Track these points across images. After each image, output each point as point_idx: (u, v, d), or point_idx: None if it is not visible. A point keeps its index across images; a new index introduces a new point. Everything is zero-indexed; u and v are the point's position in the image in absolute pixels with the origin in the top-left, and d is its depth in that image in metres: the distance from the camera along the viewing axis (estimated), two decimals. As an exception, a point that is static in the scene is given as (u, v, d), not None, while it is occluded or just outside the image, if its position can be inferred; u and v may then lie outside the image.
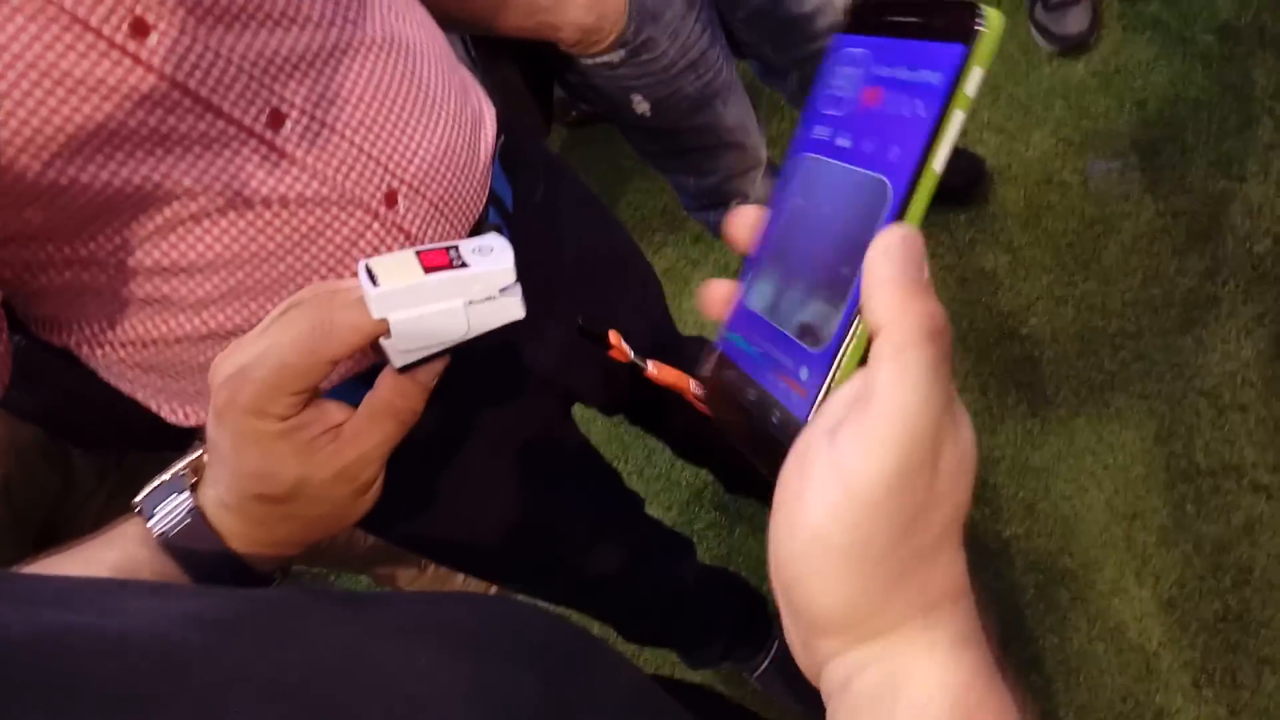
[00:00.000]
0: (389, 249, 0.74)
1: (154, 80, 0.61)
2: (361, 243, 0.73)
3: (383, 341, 0.48)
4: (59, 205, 0.63)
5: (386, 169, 0.72)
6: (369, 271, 0.46)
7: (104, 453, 1.33)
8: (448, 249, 0.48)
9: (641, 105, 1.22)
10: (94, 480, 1.32)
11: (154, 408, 0.84)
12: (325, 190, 0.69)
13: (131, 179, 0.63)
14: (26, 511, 1.24)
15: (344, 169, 0.70)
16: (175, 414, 0.85)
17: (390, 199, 0.73)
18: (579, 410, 1.11)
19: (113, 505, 1.33)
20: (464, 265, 0.47)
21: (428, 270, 0.46)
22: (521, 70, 1.17)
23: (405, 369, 0.49)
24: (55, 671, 0.26)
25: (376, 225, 0.73)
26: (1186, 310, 1.67)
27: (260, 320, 0.75)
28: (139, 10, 0.59)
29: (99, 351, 0.79)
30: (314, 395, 0.49)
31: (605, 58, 1.14)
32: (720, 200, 1.53)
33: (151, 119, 0.62)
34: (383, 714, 0.33)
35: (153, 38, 0.60)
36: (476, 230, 0.82)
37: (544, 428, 1.02)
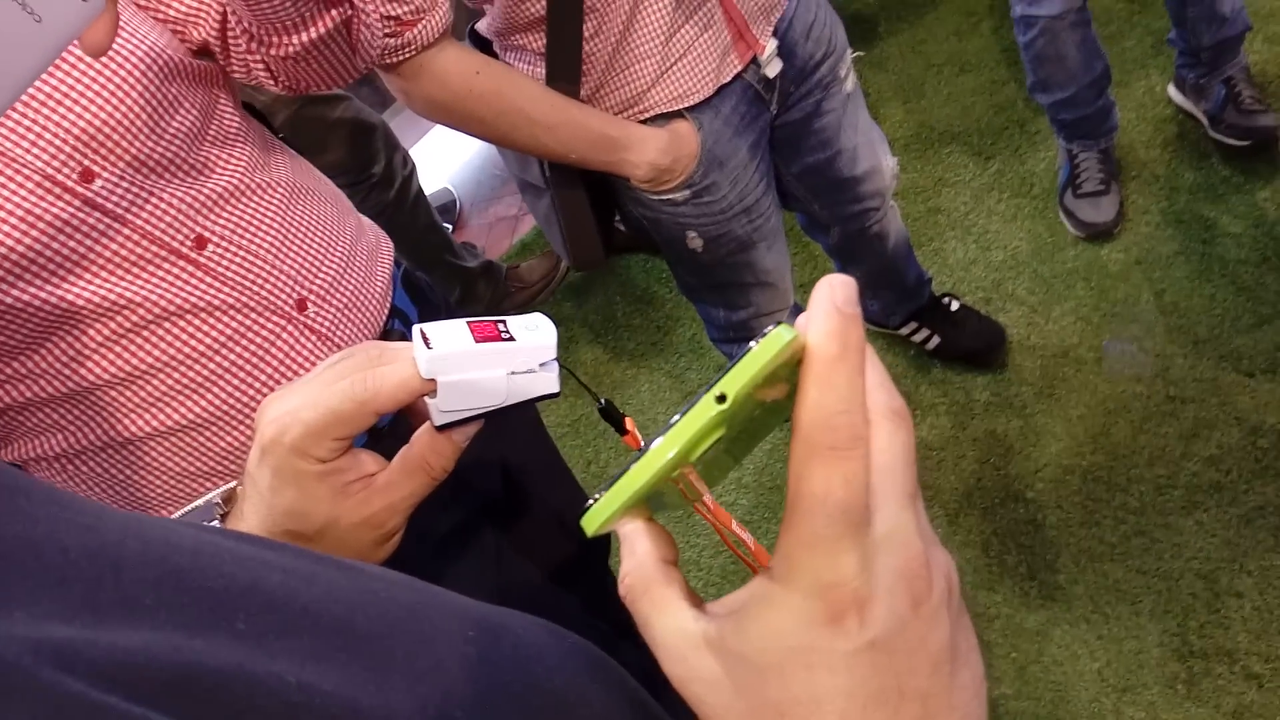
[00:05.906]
0: (302, 348, 0.86)
1: (98, 215, 0.75)
2: (279, 342, 0.84)
3: (427, 400, 0.51)
4: (16, 324, 0.74)
5: (296, 279, 0.85)
6: (423, 335, 0.50)
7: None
8: (497, 322, 0.51)
9: (695, 241, 1.32)
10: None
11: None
12: (244, 298, 0.82)
13: (77, 299, 0.75)
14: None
15: (259, 280, 0.83)
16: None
17: (301, 305, 0.85)
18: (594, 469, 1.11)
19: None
20: (511, 339, 0.50)
21: (478, 340, 0.50)
22: (589, 197, 1.27)
23: (443, 428, 0.52)
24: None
25: (290, 327, 0.85)
26: (1190, 493, 1.73)
27: (191, 418, 0.85)
28: (87, 162, 0.74)
29: (49, 469, 0.86)
30: (351, 445, 0.53)
31: (670, 195, 1.25)
32: (745, 335, 1.61)
33: (96, 245, 0.75)
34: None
35: (98, 182, 0.75)
36: (384, 336, 0.93)
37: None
